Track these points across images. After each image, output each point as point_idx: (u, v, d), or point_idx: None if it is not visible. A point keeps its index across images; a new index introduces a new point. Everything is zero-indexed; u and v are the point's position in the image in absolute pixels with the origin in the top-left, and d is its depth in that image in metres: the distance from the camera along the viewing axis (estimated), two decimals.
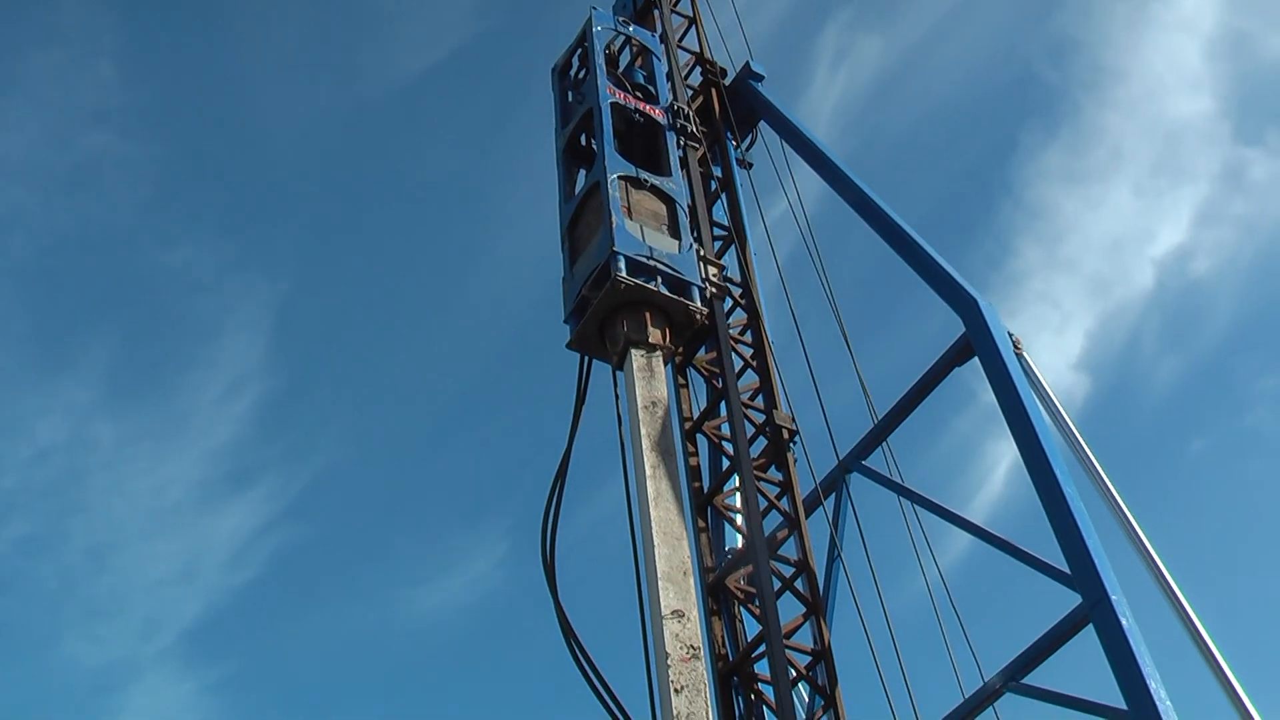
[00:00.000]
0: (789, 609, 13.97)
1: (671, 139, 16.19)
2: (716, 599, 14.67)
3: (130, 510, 43.13)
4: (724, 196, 17.57)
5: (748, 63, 18.81)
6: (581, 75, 17.21)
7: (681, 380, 15.51)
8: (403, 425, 44.39)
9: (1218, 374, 41.40)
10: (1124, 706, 11.78)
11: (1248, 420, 40.37)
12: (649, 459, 12.98)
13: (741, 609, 14.74)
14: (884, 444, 16.01)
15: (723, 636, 14.31)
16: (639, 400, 13.42)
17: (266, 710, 41.86)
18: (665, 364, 13.96)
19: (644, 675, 12.11)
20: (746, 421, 14.80)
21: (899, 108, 44.65)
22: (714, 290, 14.91)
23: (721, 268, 15.39)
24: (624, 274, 13.89)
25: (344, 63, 46.44)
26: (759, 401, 15.38)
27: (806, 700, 14.11)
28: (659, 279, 14.15)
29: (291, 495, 43.43)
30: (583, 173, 16.13)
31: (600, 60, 16.59)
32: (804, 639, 13.89)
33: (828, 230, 18.25)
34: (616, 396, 14.08)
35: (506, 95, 42.80)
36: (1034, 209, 41.76)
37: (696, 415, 15.27)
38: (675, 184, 15.48)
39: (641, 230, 14.53)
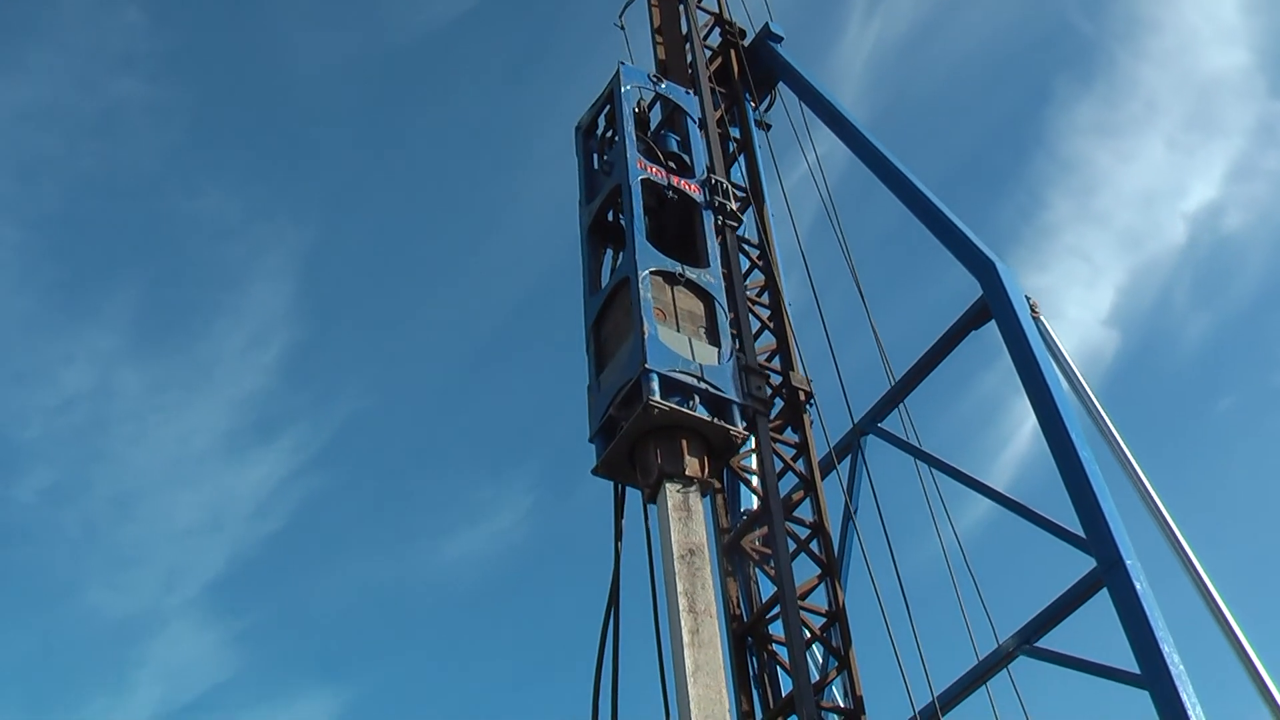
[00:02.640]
0: (804, 570, 14.13)
1: (709, 220, 14.99)
2: (732, 560, 15.19)
3: (155, 459, 43.49)
4: (742, 158, 17.40)
5: (767, 24, 18.76)
6: (609, 135, 15.85)
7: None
8: (429, 374, 44.78)
9: (1248, 331, 41.19)
10: (1137, 670, 12.06)
11: (1276, 379, 40.49)
12: (686, 622, 12.04)
13: (756, 570, 15.19)
14: (900, 407, 16.11)
15: (737, 597, 14.73)
16: (675, 549, 12.48)
17: (289, 661, 42.74)
18: (704, 496, 13.14)
19: None
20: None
21: (932, 59, 44.25)
22: (757, 407, 14.06)
23: (766, 378, 14.53)
24: (658, 397, 12.87)
25: (373, 8, 45.96)
26: (775, 364, 15.40)
27: (820, 661, 14.33)
28: (696, 398, 13.17)
29: (317, 445, 43.59)
30: (609, 255, 14.96)
31: (630, 126, 15.22)
32: (818, 600, 13.96)
33: (850, 190, 18.72)
34: (648, 532, 13.19)
35: (535, 41, 42.87)
36: (1066, 161, 41.68)
37: None
38: (713, 277, 14.34)
39: (676, 339, 13.51)
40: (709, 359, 13.61)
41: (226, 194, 43.91)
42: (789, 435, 15.08)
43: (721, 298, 14.27)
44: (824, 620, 13.89)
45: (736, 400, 13.46)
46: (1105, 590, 12.73)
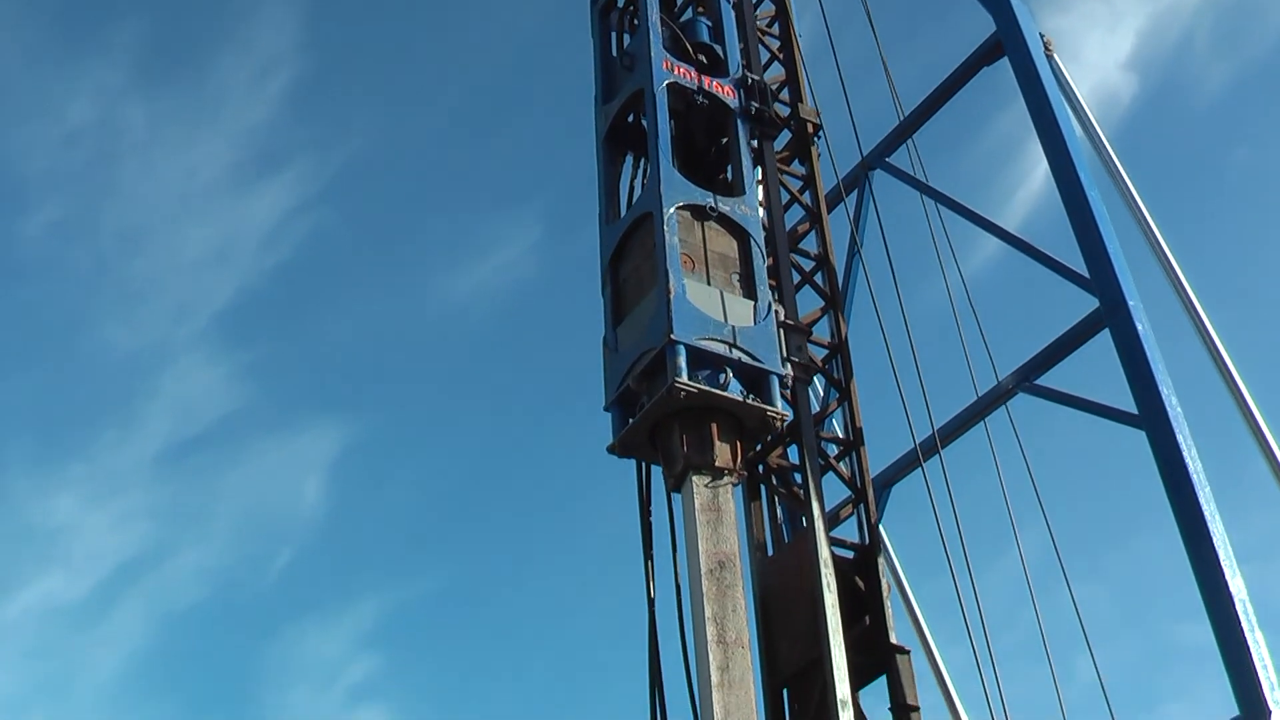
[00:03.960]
0: (808, 303, 13.57)
1: (744, 131, 12.64)
2: None
3: (162, 193, 42.31)
4: None
5: None
6: (629, 8, 13.27)
7: None
8: (436, 109, 43.13)
9: (1267, 81, 37.76)
10: (1134, 410, 12.12)
11: None
12: (715, 656, 10.57)
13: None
14: (910, 144, 15.73)
15: None
16: (702, 561, 10.89)
17: (298, 393, 42.08)
18: (735, 486, 11.42)
19: None
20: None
21: None
22: (797, 375, 12.07)
23: (808, 333, 12.48)
24: (684, 376, 11.00)
25: None
26: (784, 95, 14.43)
27: (821, 393, 13.89)
28: (729, 371, 11.28)
29: (325, 178, 42.45)
30: (628, 163, 12.69)
31: (654, 14, 12.60)
32: (821, 332, 13.46)
33: None
34: (672, 525, 11.53)
35: None
36: None
37: None
38: (748, 207, 12.15)
39: (706, 296, 11.52)
40: (743, 318, 11.73)
41: None
42: (796, 167, 14.34)
43: (758, 234, 12.30)
44: (826, 352, 13.44)
45: (776, 371, 11.61)
46: (1107, 333, 12.64)
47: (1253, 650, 10.73)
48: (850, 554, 12.35)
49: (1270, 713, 10.52)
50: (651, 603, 11.54)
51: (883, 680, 11.81)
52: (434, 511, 41.00)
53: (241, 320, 41.38)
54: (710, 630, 10.66)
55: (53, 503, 39.79)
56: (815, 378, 13.22)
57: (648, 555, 11.69)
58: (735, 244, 12.08)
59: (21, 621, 39.08)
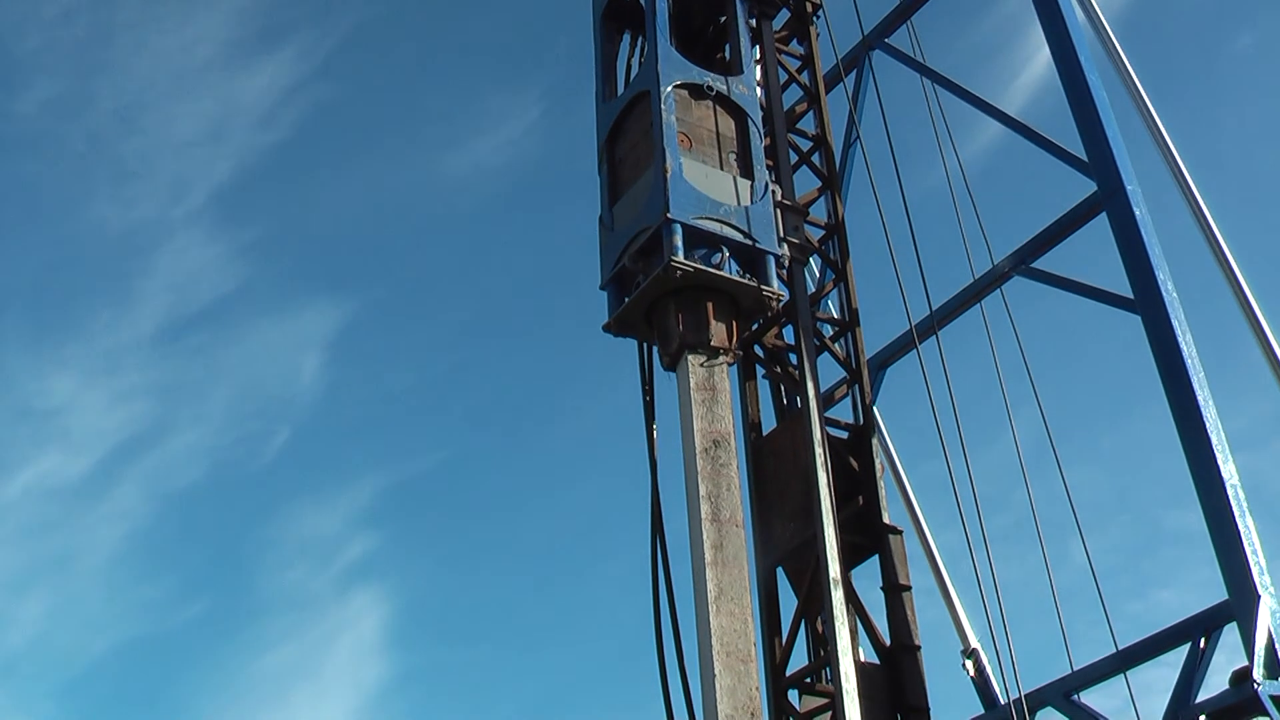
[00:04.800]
0: (805, 183, 13.48)
1: (742, 8, 12.44)
2: None
3: (157, 70, 41.30)
4: None
5: None
6: None
7: None
8: None
9: None
10: (1130, 295, 12.19)
11: None
12: (708, 534, 10.63)
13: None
14: (909, 24, 15.49)
15: None
16: (697, 440, 10.91)
17: (295, 272, 41.36)
18: (730, 366, 11.40)
19: None
20: None
21: None
22: (794, 255, 11.98)
23: (805, 214, 12.35)
24: (681, 255, 10.98)
25: None
26: None
27: (817, 274, 13.96)
28: (725, 251, 11.25)
29: (321, 55, 41.54)
30: (626, 42, 12.55)
31: None
32: (818, 213, 13.48)
33: None
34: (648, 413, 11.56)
35: None
36: None
37: None
38: (746, 87, 11.99)
39: (703, 175, 11.42)
40: (741, 198, 11.64)
41: None
42: (794, 47, 14.28)
43: (756, 114, 12.19)
44: (823, 233, 13.44)
45: (772, 251, 11.56)
46: (1104, 217, 12.64)
47: (1243, 536, 10.79)
48: (844, 434, 12.44)
49: (1259, 598, 10.60)
50: (655, 476, 11.53)
51: (875, 560, 11.93)
52: (432, 390, 40.98)
53: (239, 198, 40.85)
54: (705, 508, 10.69)
55: (50, 383, 39.53)
56: (811, 258, 13.21)
57: (650, 432, 11.66)
58: (733, 123, 11.96)
59: (21, 501, 39.11)
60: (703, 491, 10.77)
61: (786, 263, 11.88)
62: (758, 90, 12.51)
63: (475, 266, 40.45)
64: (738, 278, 11.24)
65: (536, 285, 39.40)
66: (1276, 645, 10.56)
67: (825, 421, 11.90)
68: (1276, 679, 10.50)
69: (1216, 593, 11.00)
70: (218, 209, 40.60)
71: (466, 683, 38.63)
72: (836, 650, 10.81)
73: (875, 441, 12.44)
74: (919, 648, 11.69)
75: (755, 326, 12.41)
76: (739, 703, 10.16)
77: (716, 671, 10.17)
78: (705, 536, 10.65)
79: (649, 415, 11.73)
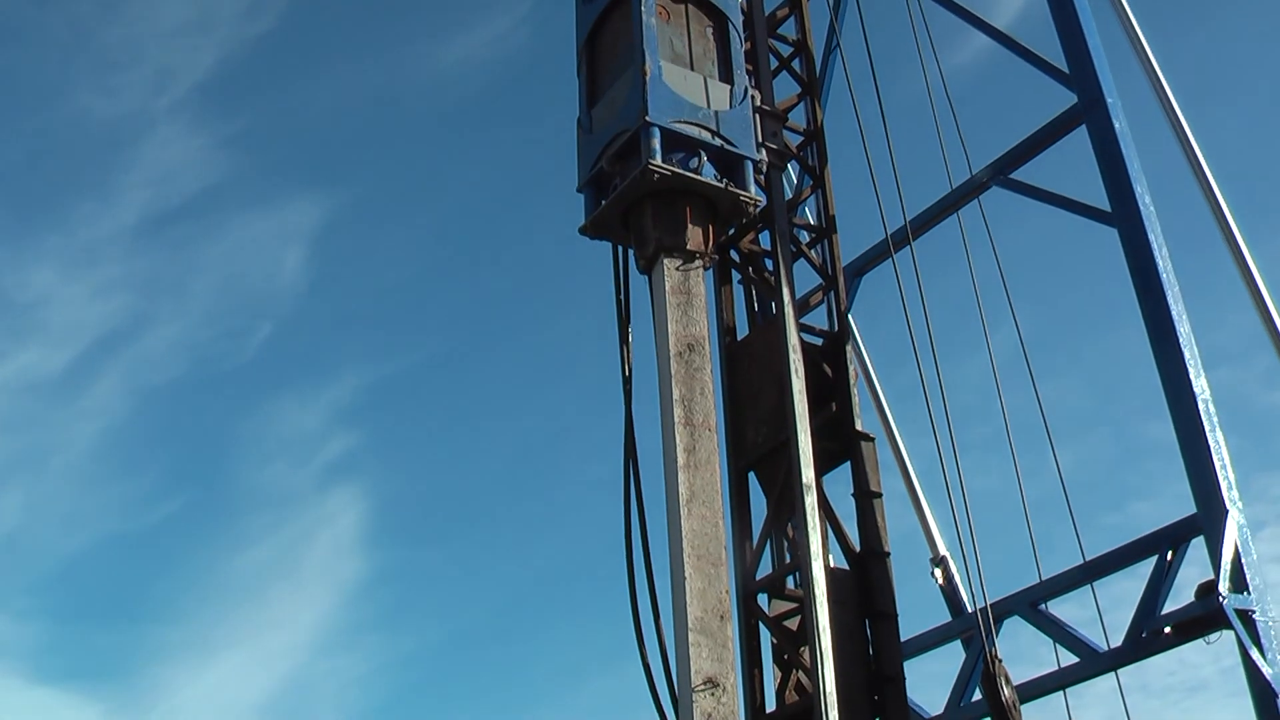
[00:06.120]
0: (785, 89, 13.43)
1: None
2: None
3: None
4: None
5: None
6: None
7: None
8: None
9: None
10: (1107, 208, 12.31)
11: None
12: (680, 438, 10.59)
13: None
14: None
15: None
16: (671, 344, 10.86)
17: (279, 165, 41.10)
18: (706, 270, 11.36)
19: None
20: None
21: None
22: (772, 160, 11.90)
23: (784, 120, 12.24)
24: (658, 158, 10.87)
25: None
26: None
27: (795, 181, 13.83)
28: (703, 155, 11.13)
29: None
30: None
31: None
32: (798, 119, 13.33)
33: None
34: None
35: None
36: None
37: None
38: None
39: (682, 78, 11.29)
40: (720, 102, 11.51)
41: None
42: None
43: (736, 16, 12.07)
44: (801, 139, 13.33)
45: (750, 156, 11.46)
46: (1084, 130, 12.72)
47: (1212, 450, 10.89)
48: (819, 340, 12.45)
49: (1226, 512, 10.67)
50: (628, 381, 11.51)
51: (847, 466, 11.97)
52: (413, 287, 41.03)
53: (222, 90, 40.63)
54: (678, 412, 10.66)
55: (29, 275, 39.22)
56: (789, 164, 13.10)
57: (624, 336, 11.63)
58: (713, 27, 11.81)
59: None
60: (676, 395, 10.72)
61: (764, 168, 11.74)
62: None
63: (461, 162, 40.36)
64: (715, 182, 11.13)
65: (522, 184, 39.23)
66: (1243, 559, 10.68)
67: (800, 327, 11.92)
68: (1241, 593, 10.62)
69: (1192, 506, 11.14)
70: (201, 101, 40.44)
71: (442, 580, 39.07)
72: (807, 555, 10.85)
73: (850, 348, 12.44)
74: (889, 554, 11.75)
75: (732, 231, 12.31)
76: (709, 605, 10.15)
77: (687, 574, 10.14)
78: (678, 440, 10.61)
79: (623, 319, 11.70)
